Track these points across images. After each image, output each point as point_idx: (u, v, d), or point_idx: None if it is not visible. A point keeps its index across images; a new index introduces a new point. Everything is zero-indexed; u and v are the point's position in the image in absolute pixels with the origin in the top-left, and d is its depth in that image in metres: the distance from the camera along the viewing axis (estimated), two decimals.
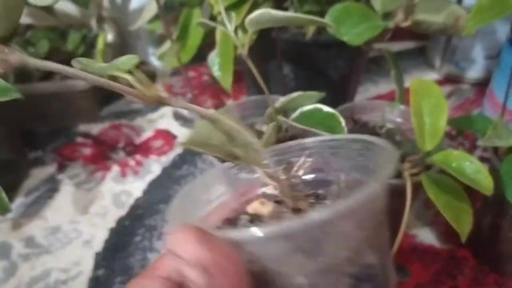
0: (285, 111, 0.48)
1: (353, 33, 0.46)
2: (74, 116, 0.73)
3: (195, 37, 0.65)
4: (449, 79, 0.82)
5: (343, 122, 0.42)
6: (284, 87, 0.61)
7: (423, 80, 0.41)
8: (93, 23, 0.74)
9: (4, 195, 0.50)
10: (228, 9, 0.55)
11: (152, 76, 0.83)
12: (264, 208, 0.31)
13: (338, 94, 0.67)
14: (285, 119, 0.45)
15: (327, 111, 0.44)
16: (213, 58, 0.58)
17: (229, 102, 0.78)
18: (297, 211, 0.30)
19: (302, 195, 0.31)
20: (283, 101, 0.45)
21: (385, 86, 0.82)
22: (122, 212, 0.59)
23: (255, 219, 0.30)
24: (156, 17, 0.77)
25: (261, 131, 0.53)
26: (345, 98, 0.69)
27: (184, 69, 0.64)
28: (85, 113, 0.73)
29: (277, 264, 0.24)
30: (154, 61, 0.84)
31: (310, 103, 0.46)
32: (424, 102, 0.40)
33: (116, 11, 0.78)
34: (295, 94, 0.45)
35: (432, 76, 0.83)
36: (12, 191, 0.63)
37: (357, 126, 0.52)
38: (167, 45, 0.66)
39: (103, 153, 0.68)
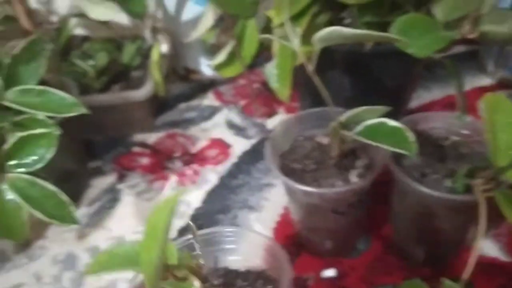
0: (348, 124, 0.47)
1: (418, 45, 0.45)
2: (131, 125, 0.74)
3: (250, 48, 0.66)
4: (502, 85, 0.79)
5: (411, 137, 0.41)
6: (339, 96, 0.61)
7: (496, 95, 0.40)
8: (147, 34, 0.76)
9: (73, 208, 0.52)
10: (283, 25, 0.55)
11: (203, 85, 0.85)
12: None
13: (393, 102, 0.66)
14: (349, 133, 0.45)
15: (392, 125, 0.44)
16: (271, 70, 0.59)
17: (281, 109, 0.78)
18: None
19: None
20: (348, 115, 0.45)
21: (438, 92, 0.81)
22: (182, 222, 0.60)
23: None
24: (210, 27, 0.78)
25: (322, 144, 0.53)
26: (400, 106, 0.68)
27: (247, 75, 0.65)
28: (141, 123, 0.74)
29: None
30: (206, 70, 0.85)
31: (374, 116, 0.46)
32: (497, 117, 0.39)
33: (169, 22, 0.79)
34: (360, 109, 0.45)
35: (485, 81, 0.81)
36: (75, 201, 0.65)
37: (420, 139, 0.51)
38: (221, 56, 0.67)
39: (160, 163, 0.70)
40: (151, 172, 0.68)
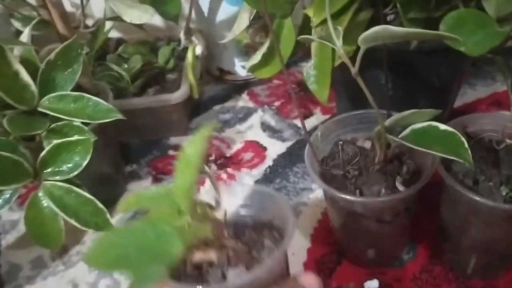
0: (393, 128, 0.45)
1: (471, 43, 0.42)
2: (166, 128, 0.74)
3: (286, 48, 0.63)
4: None
5: (465, 143, 0.38)
6: (381, 97, 0.58)
7: None
8: (182, 36, 0.74)
9: (109, 215, 0.51)
10: (325, 21, 0.53)
11: (238, 86, 0.83)
12: (208, 255, 0.35)
13: (438, 102, 0.63)
14: (395, 138, 0.42)
15: (443, 129, 0.41)
16: (309, 71, 0.57)
17: (316, 110, 0.76)
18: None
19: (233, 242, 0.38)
20: (393, 119, 0.43)
21: (484, 89, 0.77)
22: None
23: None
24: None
25: (364, 148, 0.50)
26: (446, 105, 0.65)
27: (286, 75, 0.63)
28: (175, 126, 0.73)
29: None
30: (240, 71, 0.83)
31: (422, 119, 0.43)
32: None
33: (202, 23, 0.78)
34: (407, 112, 0.42)
35: None
36: (111, 205, 0.65)
37: (471, 141, 0.47)
38: (257, 57, 0.65)
39: None
40: None
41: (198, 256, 0.35)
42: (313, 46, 0.57)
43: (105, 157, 0.65)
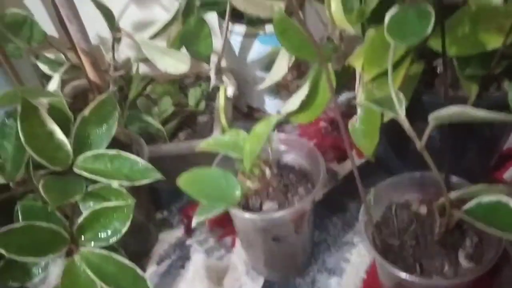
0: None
1: None
2: None
3: (325, 94, 0.61)
4: None
5: None
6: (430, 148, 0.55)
7: None
8: (212, 75, 0.72)
9: (148, 284, 0.48)
10: (377, 78, 0.50)
11: None
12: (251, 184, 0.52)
13: (487, 149, 0.60)
14: (458, 212, 0.40)
15: None
16: (355, 125, 0.54)
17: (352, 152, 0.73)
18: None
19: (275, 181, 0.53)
20: (460, 193, 0.40)
21: None
22: (257, 285, 0.56)
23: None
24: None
25: (420, 214, 0.47)
26: (495, 152, 0.62)
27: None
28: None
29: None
30: (269, 108, 0.81)
31: (490, 192, 0.40)
32: None
33: (233, 62, 0.75)
34: (477, 188, 0.39)
35: None
36: (144, 257, 0.62)
37: None
38: (294, 104, 0.62)
39: (227, 216, 0.66)
40: (218, 226, 0.64)
41: (247, 185, 0.52)
42: (360, 97, 0.55)
43: (137, 205, 0.63)
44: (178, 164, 0.68)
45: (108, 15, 0.59)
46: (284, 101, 0.78)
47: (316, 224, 0.63)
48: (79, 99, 0.77)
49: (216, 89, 0.73)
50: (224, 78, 0.72)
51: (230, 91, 0.71)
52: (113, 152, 0.50)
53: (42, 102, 0.55)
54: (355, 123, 0.54)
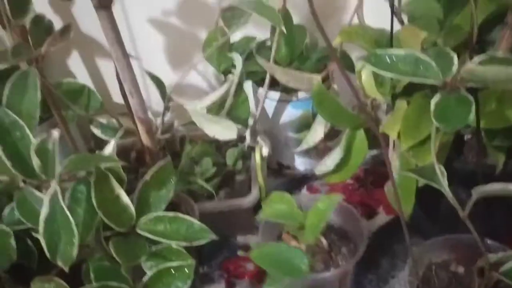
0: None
1: None
2: (233, 229, 0.75)
3: (357, 157, 0.66)
4: None
5: None
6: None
7: None
8: (248, 136, 0.77)
9: None
10: (413, 147, 0.55)
11: (297, 180, 0.85)
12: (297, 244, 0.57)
13: None
14: (499, 275, 0.44)
15: None
16: (390, 188, 0.59)
17: (380, 209, 0.77)
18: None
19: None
20: (499, 257, 0.44)
21: None
22: None
23: None
24: (305, 127, 0.79)
25: (458, 274, 0.51)
26: None
27: None
28: (243, 226, 0.75)
29: None
30: (299, 166, 0.86)
31: None
32: None
33: (266, 123, 0.81)
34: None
35: None
36: None
37: None
38: (328, 165, 0.67)
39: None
40: (258, 281, 0.68)
41: (293, 244, 0.57)
42: (394, 161, 0.60)
43: None
44: (219, 221, 0.73)
45: (160, 86, 0.65)
46: (313, 159, 0.84)
47: (352, 282, 0.66)
48: (120, 158, 0.82)
49: (251, 148, 0.78)
50: (259, 139, 0.77)
51: (265, 151, 0.76)
52: (171, 214, 0.55)
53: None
54: (391, 187, 0.59)
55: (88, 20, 0.81)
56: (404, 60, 0.42)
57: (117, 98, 0.93)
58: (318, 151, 0.82)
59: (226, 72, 0.77)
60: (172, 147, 0.81)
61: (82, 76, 0.89)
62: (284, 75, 0.62)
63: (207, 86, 0.91)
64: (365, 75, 0.65)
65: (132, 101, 0.59)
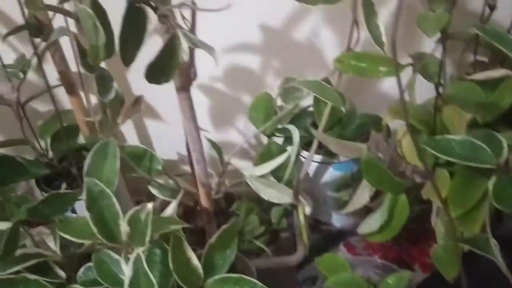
0: None
1: None
2: (276, 284, 0.79)
3: (399, 219, 0.71)
4: None
5: None
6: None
7: None
8: (291, 196, 0.82)
9: None
10: (460, 216, 0.60)
11: (333, 236, 0.90)
12: None
13: None
14: None
15: None
16: (438, 251, 0.63)
17: (416, 266, 0.82)
18: None
19: None
20: None
21: None
22: None
23: None
24: (345, 187, 0.85)
25: None
26: None
27: None
28: (287, 283, 0.79)
29: None
30: (336, 222, 0.90)
31: None
32: None
33: (306, 183, 0.86)
34: None
35: None
36: None
37: None
38: (373, 225, 0.72)
39: None
40: None
41: None
42: (438, 227, 0.65)
43: None
44: (265, 277, 0.77)
45: (218, 150, 0.70)
46: (349, 216, 0.88)
47: None
48: None
49: (293, 207, 0.83)
50: (301, 198, 0.82)
51: (308, 210, 0.81)
52: (236, 276, 0.59)
53: None
54: (437, 249, 0.63)
55: (139, 81, 0.88)
56: (461, 145, 0.48)
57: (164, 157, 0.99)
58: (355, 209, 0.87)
59: (271, 135, 0.82)
60: (218, 204, 0.86)
61: (129, 136, 0.95)
62: (336, 145, 0.68)
63: (248, 146, 0.96)
64: (405, 143, 0.71)
65: (198, 168, 0.64)
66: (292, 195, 0.67)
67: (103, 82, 0.60)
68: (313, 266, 0.84)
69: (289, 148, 0.69)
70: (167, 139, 0.94)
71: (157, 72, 0.50)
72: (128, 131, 0.95)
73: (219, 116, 0.93)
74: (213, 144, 0.69)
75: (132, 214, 0.51)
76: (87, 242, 0.55)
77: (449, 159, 0.48)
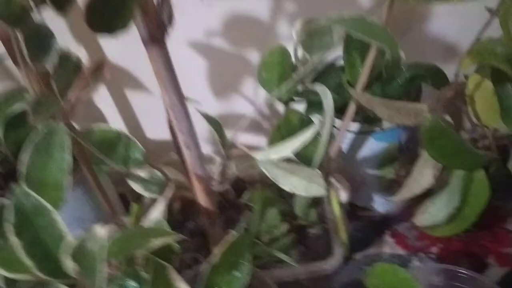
0: None
1: None
2: None
3: (477, 204, 0.51)
4: None
5: None
6: None
7: None
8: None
9: None
10: None
11: (375, 224, 0.70)
12: None
13: None
14: None
15: None
16: None
17: (490, 259, 0.62)
18: None
19: None
20: None
21: None
22: None
23: None
24: (390, 162, 0.65)
25: None
26: None
27: None
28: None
29: None
30: (378, 207, 0.71)
31: None
32: None
33: (340, 161, 0.66)
34: None
35: None
36: None
37: None
38: (436, 215, 0.52)
39: None
40: None
41: None
42: None
43: None
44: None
45: (219, 130, 0.51)
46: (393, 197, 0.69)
47: None
48: None
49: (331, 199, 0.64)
50: (334, 180, 0.63)
51: (344, 196, 0.61)
52: None
53: None
54: None
55: (115, 46, 0.68)
56: None
57: (155, 138, 0.80)
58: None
59: (288, 101, 0.62)
60: (224, 195, 0.67)
61: (110, 114, 0.76)
62: (386, 109, 0.47)
63: (259, 117, 0.76)
64: (481, 99, 0.51)
65: (189, 155, 0.45)
66: (322, 183, 0.47)
67: (37, 40, 0.41)
68: (352, 267, 0.65)
69: (316, 117, 0.49)
70: (158, 115, 0.75)
71: (104, 15, 0.31)
72: (108, 110, 0.76)
73: (220, 81, 0.73)
74: (209, 118, 0.50)
75: (77, 247, 0.32)
76: (24, 278, 0.37)
77: None
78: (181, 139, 0.44)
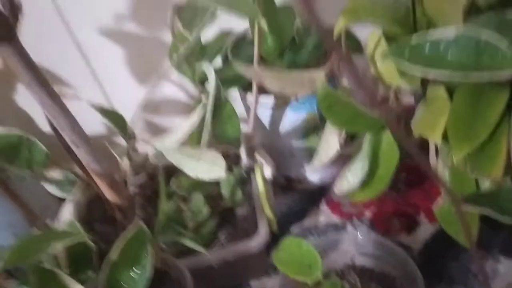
0: None
1: None
2: (245, 274, 0.61)
3: (388, 166, 0.51)
4: None
5: None
6: None
7: None
8: (243, 157, 0.62)
9: None
10: (472, 157, 0.40)
11: (311, 195, 0.70)
12: None
13: None
14: None
15: None
16: (443, 209, 0.44)
17: (420, 217, 0.62)
18: None
19: None
20: None
21: None
22: None
23: None
24: (313, 131, 0.64)
25: None
26: None
27: None
28: (255, 268, 0.61)
29: None
30: (312, 177, 0.70)
31: None
32: None
33: (263, 136, 0.65)
34: None
35: None
36: None
37: None
38: (351, 182, 0.52)
39: None
40: None
41: None
42: (443, 173, 0.45)
43: None
44: (222, 270, 0.58)
45: (118, 122, 0.49)
46: (329, 167, 0.68)
47: None
48: (94, 208, 0.67)
49: (250, 170, 0.63)
50: (258, 157, 0.62)
51: (268, 171, 0.61)
52: None
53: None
54: (443, 206, 0.43)
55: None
56: (456, 47, 0.27)
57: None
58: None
59: (204, 81, 0.61)
60: (151, 185, 0.66)
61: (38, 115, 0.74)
62: (276, 81, 0.46)
63: (188, 97, 0.75)
64: (381, 57, 0.50)
65: (78, 152, 0.44)
66: (224, 165, 0.46)
67: None
68: None
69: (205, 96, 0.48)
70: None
71: None
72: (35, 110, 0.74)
73: (141, 67, 0.71)
74: (104, 112, 0.48)
75: None
76: None
77: (439, 74, 0.27)
78: (66, 137, 0.42)
